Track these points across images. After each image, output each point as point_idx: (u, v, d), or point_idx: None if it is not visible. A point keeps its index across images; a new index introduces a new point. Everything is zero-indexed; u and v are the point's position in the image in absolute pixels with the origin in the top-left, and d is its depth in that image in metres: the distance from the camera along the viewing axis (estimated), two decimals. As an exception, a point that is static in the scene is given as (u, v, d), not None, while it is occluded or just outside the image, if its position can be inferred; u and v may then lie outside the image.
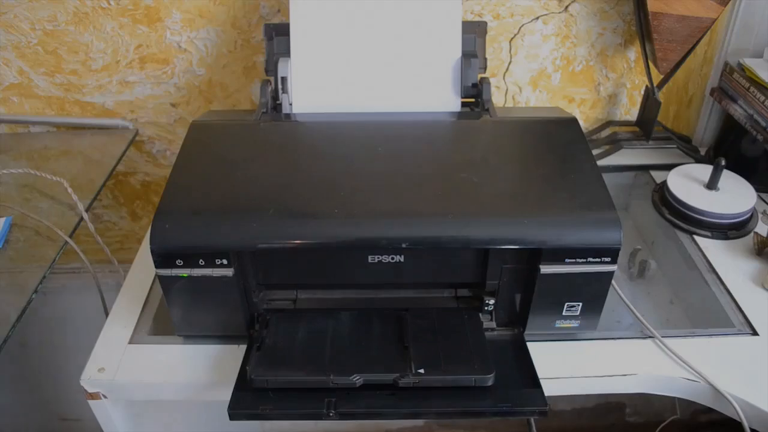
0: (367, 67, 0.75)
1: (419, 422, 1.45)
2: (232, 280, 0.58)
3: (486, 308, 0.63)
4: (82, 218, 0.78)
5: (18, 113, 0.96)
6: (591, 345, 0.64)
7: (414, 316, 0.62)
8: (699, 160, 0.93)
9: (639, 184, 0.92)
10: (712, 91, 0.93)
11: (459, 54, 0.75)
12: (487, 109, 0.73)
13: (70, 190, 0.80)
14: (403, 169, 0.62)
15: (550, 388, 0.57)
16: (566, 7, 0.88)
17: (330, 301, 0.66)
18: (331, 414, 0.54)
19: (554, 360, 0.62)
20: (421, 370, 0.55)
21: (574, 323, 0.62)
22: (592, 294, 0.60)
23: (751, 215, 0.79)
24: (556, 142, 0.67)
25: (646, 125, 0.92)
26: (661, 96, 0.89)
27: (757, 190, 0.80)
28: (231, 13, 0.87)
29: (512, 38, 0.90)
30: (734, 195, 0.79)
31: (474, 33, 0.77)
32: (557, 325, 0.63)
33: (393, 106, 0.75)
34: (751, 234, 0.77)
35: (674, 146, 0.96)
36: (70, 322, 1.20)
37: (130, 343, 0.65)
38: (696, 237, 0.78)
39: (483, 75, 0.77)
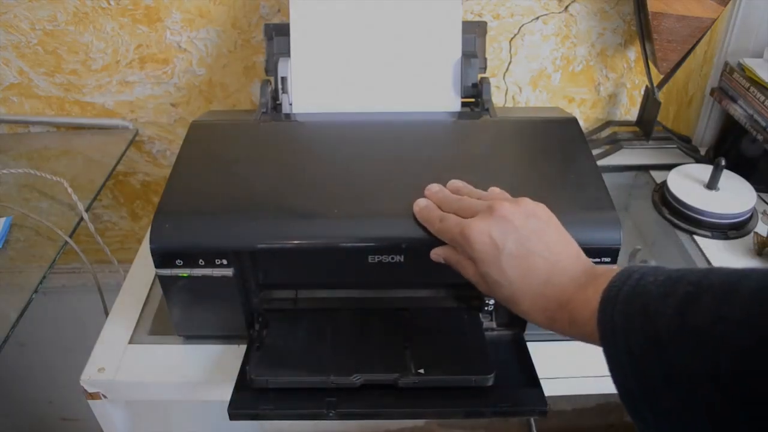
0: (367, 67, 0.75)
1: (419, 422, 1.45)
2: (232, 280, 0.58)
3: (486, 308, 0.63)
4: (82, 218, 0.78)
5: (18, 113, 0.96)
6: (591, 345, 0.64)
7: (414, 316, 0.62)
8: (699, 160, 0.93)
9: (639, 184, 0.92)
10: (712, 91, 0.93)
11: (459, 54, 0.75)
12: (487, 109, 0.73)
13: (70, 190, 0.80)
14: (403, 169, 0.62)
15: (550, 388, 0.57)
16: (566, 7, 0.88)
17: (330, 300, 0.66)
18: (331, 414, 0.54)
19: (554, 360, 0.62)
20: (421, 370, 0.55)
21: (574, 323, 0.62)
22: (592, 294, 0.60)
23: (751, 215, 0.79)
24: (556, 142, 0.67)
25: (646, 125, 0.92)
26: (661, 96, 0.89)
27: (757, 190, 0.80)
28: (231, 13, 0.87)
29: (512, 38, 0.90)
30: (734, 195, 0.79)
31: (474, 33, 0.77)
32: (557, 325, 0.62)
33: (393, 106, 0.75)
34: (751, 234, 0.77)
35: (674, 146, 0.96)
36: (70, 322, 1.20)
37: (130, 343, 0.65)
38: (696, 237, 0.78)
39: (483, 75, 0.77)
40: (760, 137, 0.82)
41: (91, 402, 0.63)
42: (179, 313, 0.62)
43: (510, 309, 0.49)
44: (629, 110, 0.98)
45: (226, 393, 0.56)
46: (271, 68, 0.77)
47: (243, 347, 0.62)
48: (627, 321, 0.38)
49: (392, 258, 0.58)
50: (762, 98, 0.81)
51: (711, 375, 0.33)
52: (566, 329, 0.45)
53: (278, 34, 0.76)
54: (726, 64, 0.90)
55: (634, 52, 0.93)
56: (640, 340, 0.37)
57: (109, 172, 0.87)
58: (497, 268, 0.47)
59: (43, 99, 0.95)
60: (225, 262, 0.57)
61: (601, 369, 0.61)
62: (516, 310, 0.48)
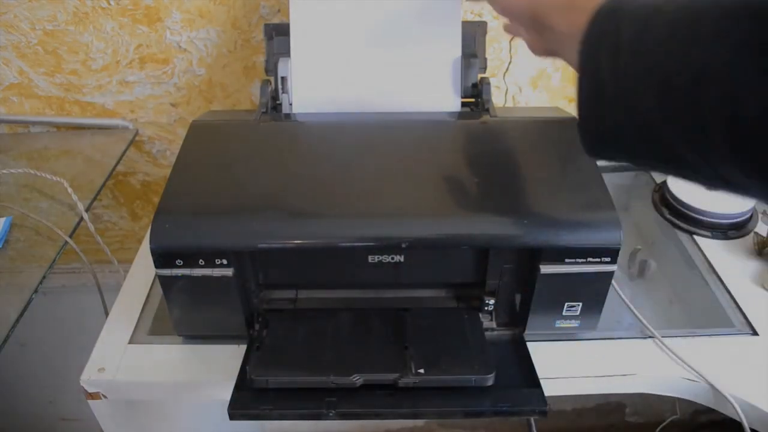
0: (367, 67, 0.75)
1: (419, 422, 1.45)
2: (232, 280, 0.58)
3: (486, 308, 0.63)
4: (82, 218, 0.78)
5: (18, 113, 0.96)
6: (591, 345, 0.64)
7: (414, 316, 0.62)
8: (699, 160, 0.93)
9: (639, 184, 0.92)
10: (712, 91, 0.93)
11: (459, 54, 0.75)
12: (487, 109, 0.73)
13: (70, 190, 0.80)
14: (403, 169, 0.62)
15: (550, 388, 0.57)
16: (566, 7, 0.88)
17: (330, 300, 0.66)
18: (331, 414, 0.54)
19: (554, 360, 0.62)
20: (421, 370, 0.55)
21: (574, 323, 0.62)
22: (592, 294, 0.60)
23: (751, 215, 0.79)
24: (556, 142, 0.67)
25: (646, 125, 0.92)
26: (661, 96, 0.89)
27: (757, 190, 0.80)
28: (231, 13, 0.87)
29: (512, 38, 0.90)
30: (734, 195, 0.79)
31: (474, 33, 0.77)
32: (557, 325, 0.63)
33: (393, 106, 0.75)
34: (751, 234, 0.77)
35: (674, 146, 0.95)
36: (70, 322, 1.20)
37: (130, 343, 0.65)
38: (696, 237, 0.78)
39: (483, 75, 0.77)
40: (760, 137, 0.82)
41: (91, 402, 0.63)
42: (179, 313, 0.62)
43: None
44: (629, 110, 0.98)
45: (226, 393, 0.56)
46: (271, 68, 0.77)
47: (243, 347, 0.62)
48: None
49: (392, 258, 0.58)
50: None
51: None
52: (560, 15, 0.45)
53: (278, 34, 0.76)
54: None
55: (634, 52, 0.92)
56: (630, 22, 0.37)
57: (109, 172, 0.87)
58: None
59: (43, 99, 0.95)
60: (225, 262, 0.57)
61: (601, 369, 0.62)
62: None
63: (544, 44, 0.51)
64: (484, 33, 0.78)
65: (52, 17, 0.87)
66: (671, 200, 0.81)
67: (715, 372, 0.60)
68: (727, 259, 0.75)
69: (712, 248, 0.76)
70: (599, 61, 0.39)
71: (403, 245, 0.56)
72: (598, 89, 0.40)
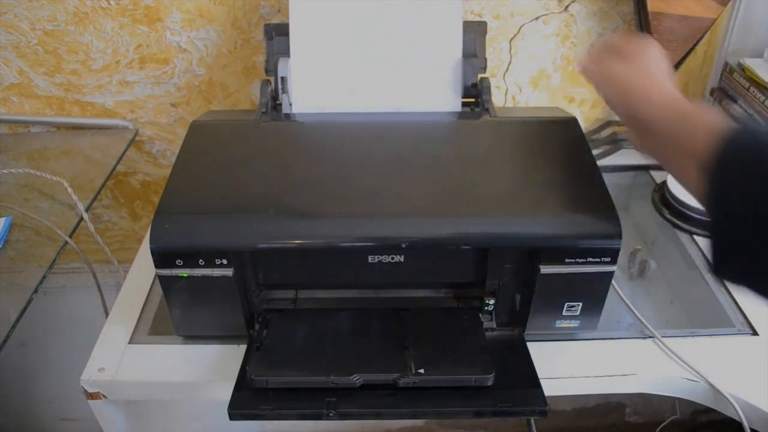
0: (367, 67, 0.75)
1: (419, 422, 1.45)
2: (232, 280, 0.58)
3: (486, 308, 0.63)
4: (82, 218, 0.78)
5: (18, 113, 0.96)
6: (591, 345, 0.64)
7: (414, 316, 0.62)
8: (699, 160, 0.93)
9: (639, 184, 0.92)
10: (712, 91, 0.93)
11: (459, 54, 0.75)
12: (487, 109, 0.73)
13: (70, 190, 0.80)
14: (403, 169, 0.62)
15: (550, 388, 0.57)
16: (566, 7, 0.88)
17: (330, 300, 0.66)
18: (331, 414, 0.54)
19: (554, 360, 0.62)
20: (421, 370, 0.55)
21: (574, 323, 0.62)
22: (592, 294, 0.60)
23: (751, 215, 0.79)
24: (556, 142, 0.67)
25: (646, 125, 0.92)
26: (661, 96, 0.89)
27: (757, 190, 0.80)
28: (231, 13, 0.87)
29: (512, 38, 0.90)
30: (734, 195, 0.79)
31: (474, 33, 0.77)
32: (557, 325, 0.63)
33: (393, 106, 0.75)
34: (751, 234, 0.77)
35: (674, 146, 0.95)
36: (70, 322, 1.20)
37: (130, 343, 0.65)
38: (696, 237, 0.78)
39: (483, 75, 0.77)
40: (760, 137, 0.82)
41: (91, 402, 0.63)
42: (179, 313, 0.62)
43: (630, 92, 0.52)
44: (629, 110, 0.98)
45: (226, 393, 0.56)
46: (271, 68, 0.77)
47: (243, 347, 0.62)
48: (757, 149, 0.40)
49: (392, 258, 0.58)
50: (762, 98, 0.81)
51: None
52: (667, 125, 0.47)
53: (278, 34, 0.76)
54: (726, 64, 0.90)
55: (634, 52, 0.92)
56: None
57: (109, 172, 0.87)
58: (654, 67, 0.52)
59: (43, 99, 0.95)
60: (225, 262, 0.57)
61: (601, 369, 0.62)
62: (639, 90, 0.51)
63: (643, 143, 0.52)
64: (484, 33, 0.78)
65: (52, 17, 0.87)
66: (671, 200, 0.81)
67: (715, 372, 0.60)
68: (727, 259, 0.74)
69: (712, 248, 0.76)
70: (735, 203, 0.41)
71: (403, 245, 0.56)
72: (735, 230, 0.42)
